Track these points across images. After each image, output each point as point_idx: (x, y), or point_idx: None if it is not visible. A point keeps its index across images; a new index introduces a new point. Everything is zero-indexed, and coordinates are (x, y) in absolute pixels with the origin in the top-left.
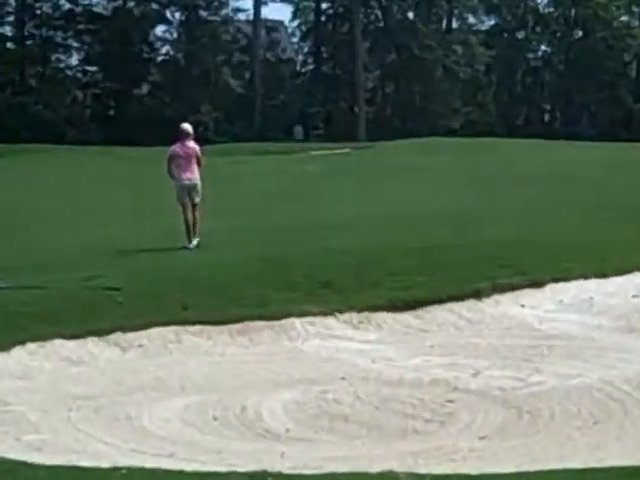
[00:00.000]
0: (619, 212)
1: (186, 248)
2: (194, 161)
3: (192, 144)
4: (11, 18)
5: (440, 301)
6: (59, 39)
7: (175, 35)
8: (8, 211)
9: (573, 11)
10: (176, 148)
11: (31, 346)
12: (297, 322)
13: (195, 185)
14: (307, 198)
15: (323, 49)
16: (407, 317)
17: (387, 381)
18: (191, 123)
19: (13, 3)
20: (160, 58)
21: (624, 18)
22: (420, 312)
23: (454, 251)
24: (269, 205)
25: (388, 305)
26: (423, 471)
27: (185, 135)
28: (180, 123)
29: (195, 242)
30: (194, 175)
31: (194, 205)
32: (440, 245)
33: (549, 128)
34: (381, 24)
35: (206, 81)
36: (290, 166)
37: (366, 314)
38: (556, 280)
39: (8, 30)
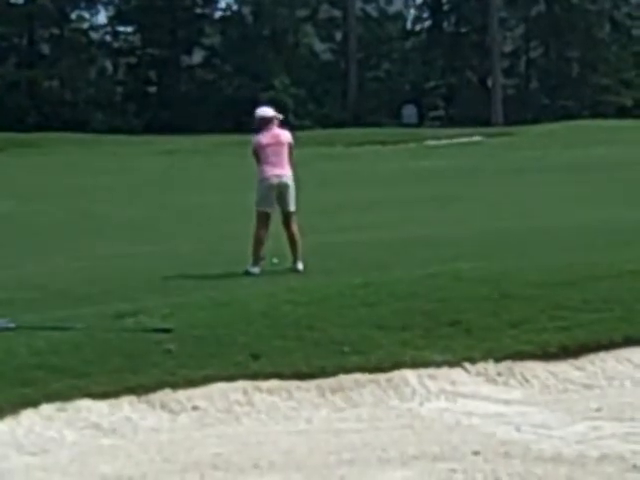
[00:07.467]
0: None
1: (248, 273)
2: (285, 153)
3: (280, 130)
4: None
5: (611, 346)
6: None
7: None
8: (8, 222)
9: None
10: (261, 137)
11: (47, 409)
12: (412, 375)
13: (287, 186)
14: (422, 205)
15: None
16: (565, 368)
17: (538, 457)
18: (262, 103)
19: None
20: (218, 14)
21: None
22: (583, 361)
23: (629, 280)
24: (370, 215)
25: (539, 352)
26: None
27: (267, 121)
28: (255, 105)
29: (300, 266)
30: (285, 172)
31: (287, 215)
32: (609, 274)
33: None
34: None
35: (281, 45)
36: (398, 161)
37: (508, 364)
38: None
39: None
